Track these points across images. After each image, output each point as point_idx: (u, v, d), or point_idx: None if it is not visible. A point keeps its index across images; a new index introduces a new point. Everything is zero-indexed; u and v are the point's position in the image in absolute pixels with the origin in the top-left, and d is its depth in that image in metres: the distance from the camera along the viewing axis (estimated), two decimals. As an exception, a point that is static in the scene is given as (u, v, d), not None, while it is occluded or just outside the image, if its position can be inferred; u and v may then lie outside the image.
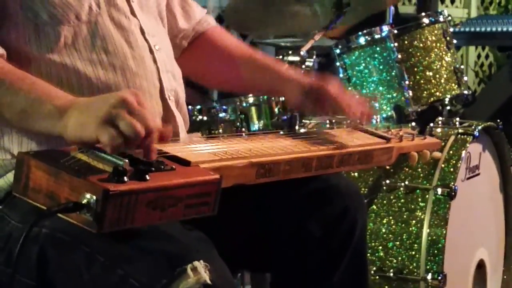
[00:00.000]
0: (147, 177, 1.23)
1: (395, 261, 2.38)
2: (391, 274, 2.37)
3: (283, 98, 2.41)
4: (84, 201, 1.20)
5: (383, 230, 2.41)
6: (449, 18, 2.88)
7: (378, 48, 2.78)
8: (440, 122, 2.61)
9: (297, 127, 2.49)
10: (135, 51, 1.58)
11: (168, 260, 1.31)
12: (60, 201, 1.23)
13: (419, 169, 2.46)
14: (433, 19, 2.82)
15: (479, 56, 6.35)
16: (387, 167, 2.47)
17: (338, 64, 2.86)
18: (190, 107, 2.77)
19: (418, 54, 2.77)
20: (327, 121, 2.10)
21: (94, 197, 1.19)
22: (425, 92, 2.77)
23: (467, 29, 4.53)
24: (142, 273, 1.31)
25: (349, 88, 2.85)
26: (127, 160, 1.25)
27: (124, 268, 1.33)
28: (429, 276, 2.33)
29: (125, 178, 1.21)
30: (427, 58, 2.78)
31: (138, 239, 1.33)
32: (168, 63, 1.68)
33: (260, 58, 1.89)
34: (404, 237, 2.39)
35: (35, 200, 1.28)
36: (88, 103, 1.34)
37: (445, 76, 2.80)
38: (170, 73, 1.67)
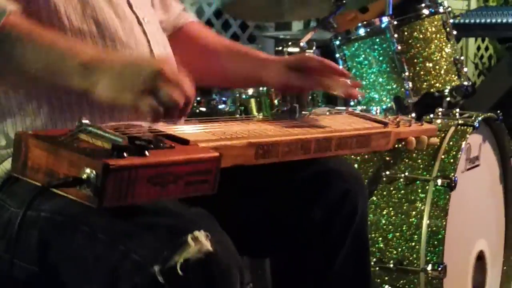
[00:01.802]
0: (147, 153, 1.24)
1: (395, 252, 2.39)
2: (391, 265, 2.37)
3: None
4: (84, 176, 1.20)
5: (383, 221, 2.41)
6: (449, 9, 2.88)
7: (377, 39, 2.78)
8: (440, 113, 2.61)
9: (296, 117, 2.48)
10: (124, 23, 1.57)
11: (169, 232, 1.31)
12: (60, 178, 1.23)
13: (419, 160, 2.46)
14: (433, 10, 2.81)
15: (478, 48, 6.34)
16: (387, 158, 2.47)
17: (337, 55, 2.86)
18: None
19: (418, 45, 2.77)
20: (327, 113, 2.10)
21: (94, 172, 1.19)
22: (425, 83, 2.76)
23: (466, 21, 4.52)
24: (143, 247, 1.31)
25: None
26: (125, 137, 1.25)
27: (126, 244, 1.33)
28: (429, 267, 2.33)
29: (125, 154, 1.21)
30: (427, 49, 2.78)
31: (138, 215, 1.33)
32: (159, 35, 1.68)
33: (239, 47, 1.88)
34: (404, 228, 2.39)
35: (34, 179, 1.28)
36: (120, 69, 1.34)
37: (445, 67, 2.80)
38: (161, 45, 1.67)
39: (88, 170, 1.19)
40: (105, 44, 1.53)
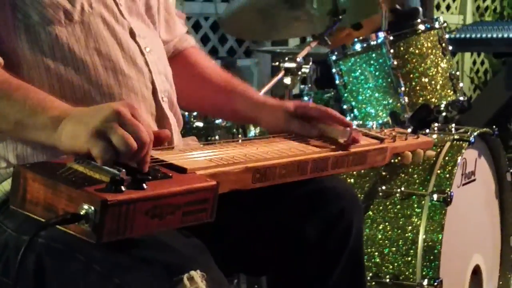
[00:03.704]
0: (144, 186, 1.23)
1: (391, 267, 2.39)
2: (387, 280, 2.37)
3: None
4: (83, 212, 1.19)
5: (379, 236, 2.41)
6: (445, 24, 2.89)
7: (374, 55, 2.79)
8: (436, 128, 2.62)
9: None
10: (126, 53, 1.58)
11: (165, 269, 1.30)
12: (58, 213, 1.23)
13: (415, 175, 2.46)
14: (428, 26, 2.83)
15: (474, 63, 6.37)
16: (383, 173, 2.47)
17: (334, 70, 2.87)
18: (186, 113, 2.78)
19: (414, 60, 2.78)
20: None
21: (93, 208, 1.19)
22: (421, 98, 2.77)
23: (462, 36, 4.55)
24: (138, 282, 1.31)
25: (345, 95, 2.86)
26: (124, 170, 1.25)
27: (120, 277, 1.32)
28: (425, 282, 2.33)
29: (123, 188, 1.21)
30: (422, 65, 2.79)
31: (135, 248, 1.33)
32: (160, 65, 1.68)
33: (238, 85, 1.86)
34: (400, 243, 2.39)
35: (33, 212, 1.27)
36: (82, 114, 1.33)
37: (440, 82, 2.81)
38: (162, 75, 1.67)
39: (86, 206, 1.19)
40: (107, 74, 1.53)
